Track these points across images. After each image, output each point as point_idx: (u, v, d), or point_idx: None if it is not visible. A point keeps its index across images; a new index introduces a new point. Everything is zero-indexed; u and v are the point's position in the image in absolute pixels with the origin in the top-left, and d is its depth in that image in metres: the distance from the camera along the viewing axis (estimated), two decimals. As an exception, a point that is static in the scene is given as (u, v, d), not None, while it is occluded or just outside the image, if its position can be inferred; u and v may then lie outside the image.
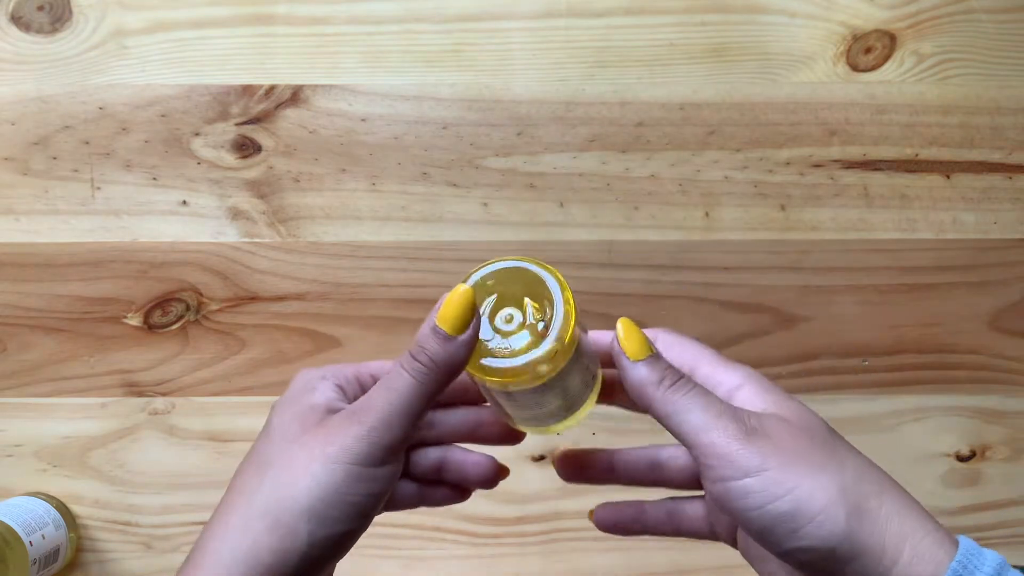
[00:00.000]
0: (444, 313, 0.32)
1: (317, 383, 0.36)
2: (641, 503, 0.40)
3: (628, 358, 0.34)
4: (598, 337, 0.37)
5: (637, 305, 0.62)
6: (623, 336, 0.34)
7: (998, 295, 0.63)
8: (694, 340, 0.36)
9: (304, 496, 0.32)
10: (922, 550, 0.30)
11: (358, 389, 0.36)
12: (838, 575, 0.31)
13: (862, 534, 0.30)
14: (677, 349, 0.36)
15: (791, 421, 0.33)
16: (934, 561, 0.30)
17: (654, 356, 0.34)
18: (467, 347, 0.32)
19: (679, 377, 0.33)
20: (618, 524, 0.40)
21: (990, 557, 0.30)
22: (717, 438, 0.32)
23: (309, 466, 0.32)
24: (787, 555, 0.32)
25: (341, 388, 0.36)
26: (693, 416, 0.32)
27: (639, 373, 0.33)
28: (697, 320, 0.62)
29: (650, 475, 0.40)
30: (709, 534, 0.40)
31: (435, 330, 0.32)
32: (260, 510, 0.32)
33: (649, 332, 0.36)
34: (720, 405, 0.33)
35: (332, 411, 0.34)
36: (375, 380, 0.36)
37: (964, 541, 0.31)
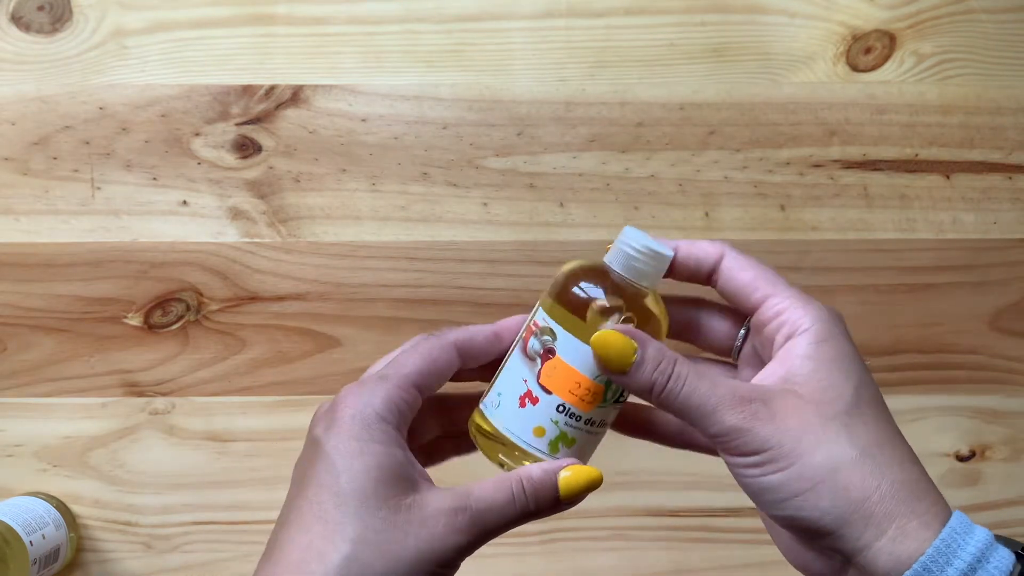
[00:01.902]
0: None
1: (380, 432, 0.34)
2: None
3: (614, 375, 0.34)
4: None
5: (637, 305, 0.62)
6: (600, 356, 0.34)
7: (998, 295, 0.63)
8: (759, 265, 0.36)
9: None
10: (909, 529, 0.31)
11: (408, 414, 0.36)
12: (819, 543, 0.33)
13: (846, 511, 0.31)
14: (740, 276, 0.36)
15: (803, 395, 0.33)
16: (919, 539, 0.31)
17: (636, 364, 0.34)
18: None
19: (669, 373, 0.34)
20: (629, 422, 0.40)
21: (975, 539, 0.31)
22: (717, 426, 0.33)
23: (404, 559, 0.32)
24: (773, 517, 0.34)
25: (398, 428, 0.35)
26: (693, 407, 0.33)
27: (628, 385, 0.35)
28: (697, 320, 0.62)
29: (683, 335, 0.40)
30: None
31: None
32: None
33: (714, 247, 0.36)
34: (719, 391, 0.33)
35: (406, 478, 0.34)
36: (418, 389, 0.36)
37: (954, 520, 0.31)
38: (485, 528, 0.34)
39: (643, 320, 0.35)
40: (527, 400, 0.36)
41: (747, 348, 0.38)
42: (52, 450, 0.61)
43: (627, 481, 0.61)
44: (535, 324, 0.36)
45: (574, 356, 0.35)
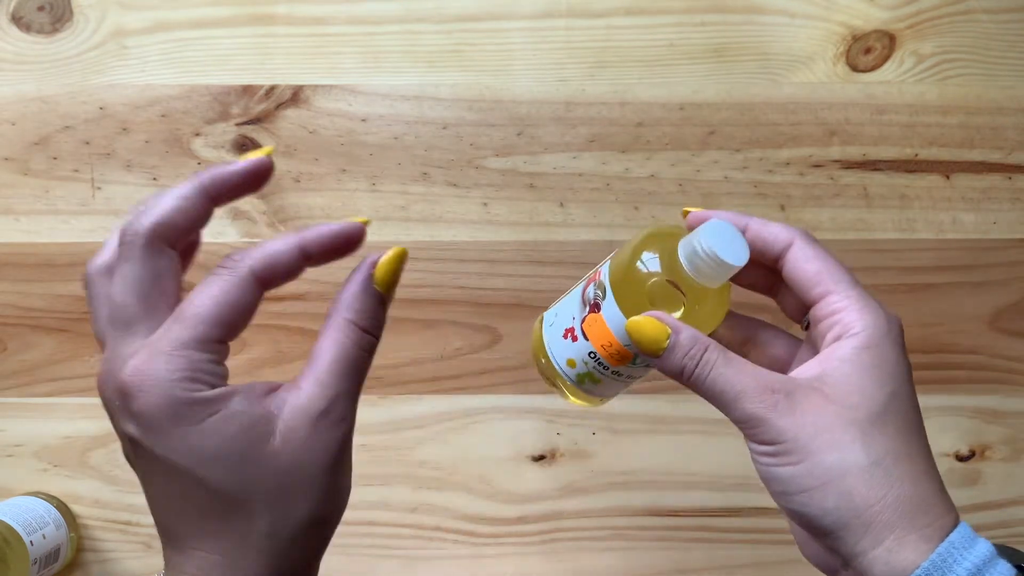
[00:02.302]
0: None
1: (198, 413, 0.30)
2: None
3: (648, 356, 0.35)
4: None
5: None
6: (633, 340, 0.35)
7: (998, 295, 0.63)
8: (828, 258, 0.36)
9: None
10: (908, 542, 0.31)
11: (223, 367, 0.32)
12: (819, 540, 0.34)
13: (847, 516, 0.32)
14: (805, 267, 0.36)
15: (829, 395, 0.33)
16: (917, 551, 0.31)
17: (668, 349, 0.34)
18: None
19: (698, 359, 0.34)
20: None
21: (973, 553, 0.31)
22: (738, 412, 0.34)
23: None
24: (780, 506, 0.34)
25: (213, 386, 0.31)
26: (718, 392, 0.34)
27: (659, 366, 0.35)
28: (697, 320, 0.62)
29: (738, 350, 0.39)
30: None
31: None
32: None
33: (785, 233, 0.36)
34: (743, 379, 0.33)
35: (262, 420, 0.31)
36: (221, 342, 0.32)
37: (955, 535, 0.31)
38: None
39: (694, 310, 0.36)
40: (569, 335, 0.39)
41: (805, 355, 0.38)
42: (52, 450, 0.61)
43: (627, 481, 0.61)
44: (598, 274, 0.38)
45: (613, 320, 0.37)
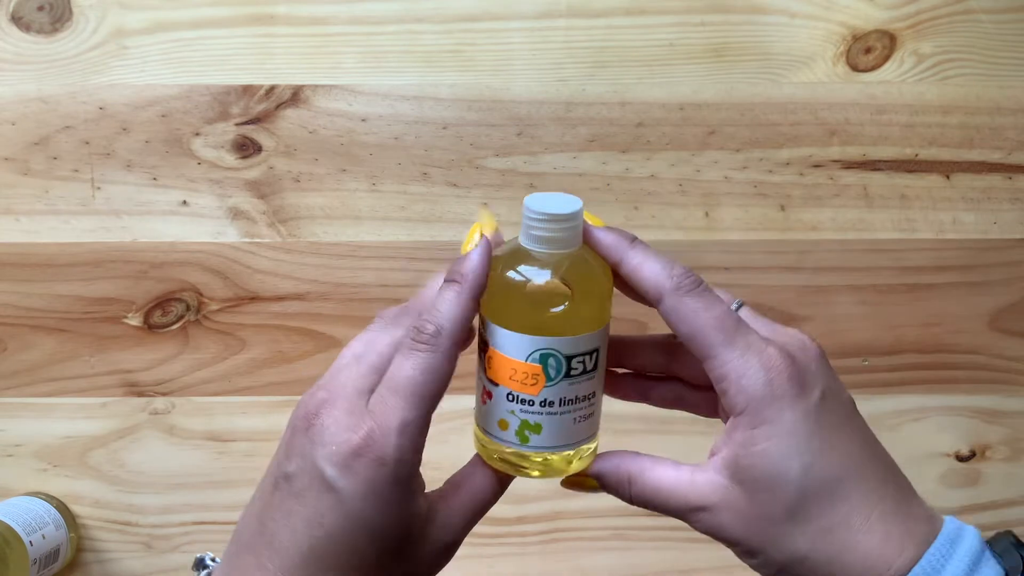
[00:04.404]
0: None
1: (408, 489, 0.34)
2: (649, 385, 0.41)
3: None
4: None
5: (637, 305, 0.62)
6: (578, 490, 0.37)
7: (998, 295, 0.63)
8: (700, 313, 0.34)
9: None
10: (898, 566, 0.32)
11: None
12: None
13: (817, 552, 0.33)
14: (680, 328, 0.35)
15: (749, 497, 0.33)
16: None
17: (603, 485, 0.37)
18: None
19: (628, 491, 0.36)
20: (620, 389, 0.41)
21: (955, 562, 0.31)
22: (698, 526, 0.35)
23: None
24: None
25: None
26: (665, 510, 0.36)
27: (653, 269, 0.35)
28: (697, 320, 0.62)
29: (669, 369, 0.40)
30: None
31: None
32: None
33: (656, 285, 0.35)
34: (673, 502, 0.35)
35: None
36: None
37: (924, 560, 0.32)
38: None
39: (579, 280, 0.35)
40: (485, 397, 0.36)
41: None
42: (52, 450, 0.61)
43: (627, 481, 0.61)
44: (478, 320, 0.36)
45: (503, 343, 0.34)
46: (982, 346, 0.63)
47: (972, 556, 0.32)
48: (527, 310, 0.34)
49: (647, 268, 0.35)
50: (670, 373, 0.40)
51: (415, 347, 0.33)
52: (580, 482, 0.37)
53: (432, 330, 0.33)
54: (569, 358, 0.34)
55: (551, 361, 0.34)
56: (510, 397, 0.35)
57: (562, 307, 0.34)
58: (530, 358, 0.34)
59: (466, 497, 0.36)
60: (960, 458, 0.63)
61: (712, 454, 0.35)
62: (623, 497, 0.36)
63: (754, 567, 0.34)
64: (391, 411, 0.32)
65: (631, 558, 0.62)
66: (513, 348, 0.34)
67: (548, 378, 0.34)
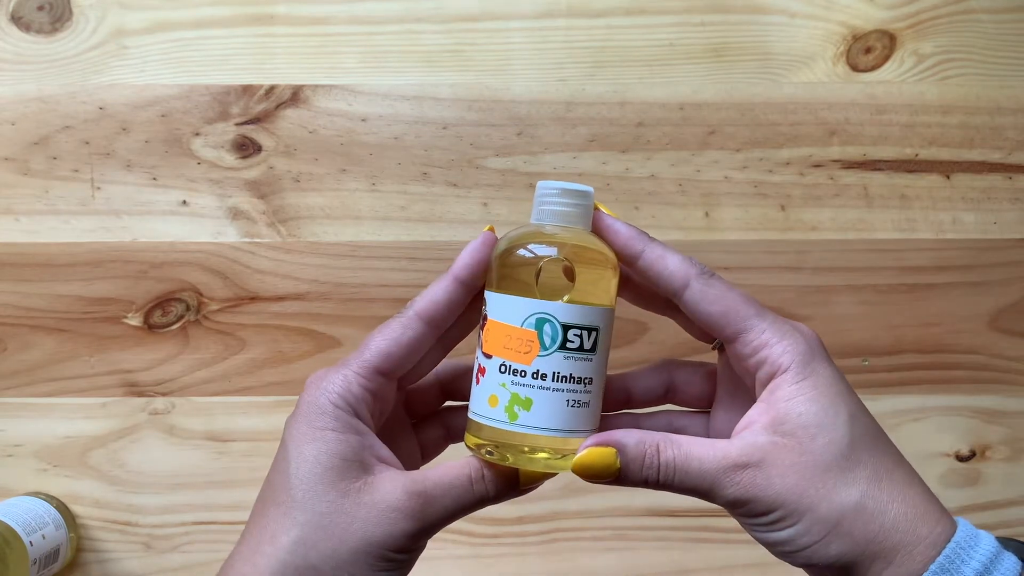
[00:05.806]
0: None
1: (332, 418, 0.35)
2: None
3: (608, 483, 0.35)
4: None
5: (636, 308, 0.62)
6: (587, 476, 0.35)
7: (998, 295, 0.63)
8: (728, 293, 0.36)
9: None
10: (916, 553, 0.32)
11: (369, 399, 0.36)
12: None
13: (854, 554, 0.32)
14: (709, 308, 0.35)
15: (796, 446, 0.33)
16: (925, 558, 0.32)
17: (622, 469, 0.35)
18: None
19: (657, 465, 0.34)
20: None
21: (979, 552, 0.32)
22: (720, 499, 0.34)
23: (349, 542, 0.33)
24: (783, 560, 0.35)
25: (357, 415, 0.35)
26: (691, 488, 0.34)
27: (626, 485, 0.35)
28: (697, 320, 0.62)
29: (664, 398, 0.40)
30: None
31: None
32: (291, 564, 0.33)
33: (680, 272, 0.35)
34: (709, 467, 0.34)
35: (358, 462, 0.34)
36: (381, 373, 0.36)
37: (958, 534, 0.32)
38: (439, 514, 0.35)
39: (581, 250, 0.35)
40: (479, 375, 0.36)
41: (726, 372, 0.38)
42: (52, 450, 0.61)
43: (627, 481, 0.61)
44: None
45: (500, 309, 0.35)
46: (982, 346, 0.63)
47: (994, 548, 0.32)
48: (525, 272, 0.35)
49: (671, 257, 0.36)
50: (665, 398, 0.40)
51: (388, 321, 0.36)
52: (596, 463, 0.34)
53: (407, 308, 0.36)
54: (566, 328, 0.34)
55: (547, 328, 0.34)
56: (503, 368, 0.34)
57: (561, 269, 0.35)
58: (526, 323, 0.34)
59: (437, 474, 0.35)
60: (960, 458, 0.63)
61: (742, 429, 0.35)
62: (641, 477, 0.34)
63: (787, 543, 0.33)
64: (344, 362, 0.36)
65: (631, 558, 0.62)
66: (509, 312, 0.34)
67: (543, 346, 0.34)
